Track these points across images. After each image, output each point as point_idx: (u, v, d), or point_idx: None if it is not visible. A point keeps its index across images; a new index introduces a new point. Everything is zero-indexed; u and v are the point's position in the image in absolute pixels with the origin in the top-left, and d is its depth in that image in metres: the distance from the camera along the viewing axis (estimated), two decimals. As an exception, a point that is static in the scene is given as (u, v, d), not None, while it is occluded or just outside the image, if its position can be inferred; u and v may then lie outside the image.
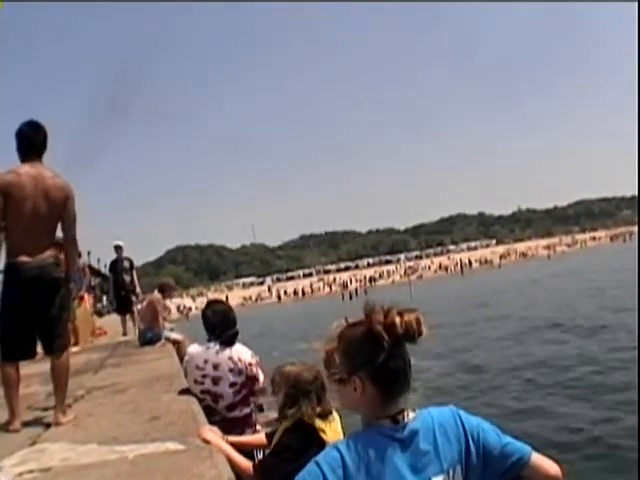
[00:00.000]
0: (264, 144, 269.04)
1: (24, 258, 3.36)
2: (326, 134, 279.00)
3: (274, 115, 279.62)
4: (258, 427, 3.59)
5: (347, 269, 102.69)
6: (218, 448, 2.53)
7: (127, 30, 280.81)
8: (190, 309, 59.67)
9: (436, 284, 53.81)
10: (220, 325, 3.67)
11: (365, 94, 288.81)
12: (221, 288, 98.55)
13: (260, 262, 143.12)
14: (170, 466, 2.34)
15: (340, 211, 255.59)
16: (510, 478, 1.37)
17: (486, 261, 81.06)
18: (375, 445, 1.27)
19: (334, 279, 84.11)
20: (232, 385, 3.53)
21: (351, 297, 47.92)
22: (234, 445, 2.66)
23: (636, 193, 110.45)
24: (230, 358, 3.56)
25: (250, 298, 76.60)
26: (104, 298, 22.04)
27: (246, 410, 3.60)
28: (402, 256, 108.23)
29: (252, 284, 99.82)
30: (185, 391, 3.79)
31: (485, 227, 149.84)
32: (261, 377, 3.60)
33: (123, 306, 9.82)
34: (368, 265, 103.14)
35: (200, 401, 3.55)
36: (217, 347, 3.60)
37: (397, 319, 1.29)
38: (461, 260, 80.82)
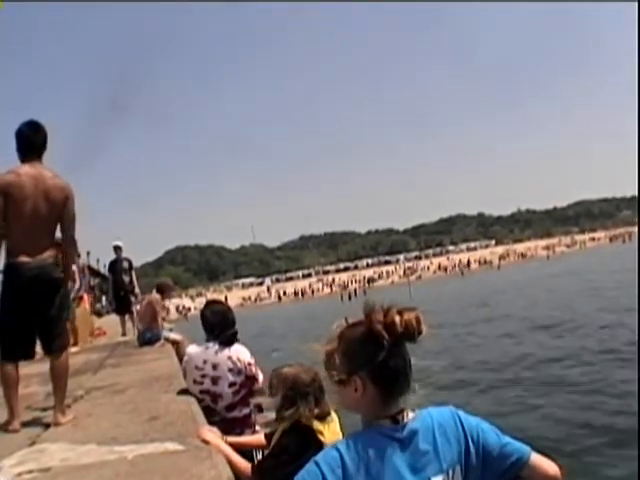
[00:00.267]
0: (264, 144, 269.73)
1: (24, 258, 3.35)
2: (326, 134, 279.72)
3: (274, 115, 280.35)
4: (257, 427, 3.58)
5: (346, 270, 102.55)
6: (217, 448, 2.53)
7: (127, 30, 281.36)
8: (189, 309, 59.75)
9: (435, 284, 53.83)
10: (219, 325, 3.66)
11: (365, 94, 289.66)
12: (220, 288, 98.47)
13: (259, 263, 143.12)
14: (169, 466, 2.34)
15: (340, 211, 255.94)
16: (509, 478, 1.37)
17: (485, 261, 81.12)
18: (374, 445, 1.27)
19: (333, 280, 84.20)
20: (231, 385, 3.52)
21: (350, 298, 47.93)
22: (233, 445, 2.67)
23: (636, 193, 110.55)
24: (229, 358, 3.55)
25: (249, 298, 76.68)
26: (103, 298, 22.05)
27: (245, 410, 3.60)
28: (401, 257, 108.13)
29: (251, 285, 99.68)
30: (184, 391, 3.79)
31: (484, 228, 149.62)
32: (260, 377, 3.60)
33: (122, 306, 9.82)
34: (367, 266, 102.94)
35: (199, 401, 3.54)
36: (216, 347, 3.59)
37: (397, 318, 1.29)
38: (460, 260, 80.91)
